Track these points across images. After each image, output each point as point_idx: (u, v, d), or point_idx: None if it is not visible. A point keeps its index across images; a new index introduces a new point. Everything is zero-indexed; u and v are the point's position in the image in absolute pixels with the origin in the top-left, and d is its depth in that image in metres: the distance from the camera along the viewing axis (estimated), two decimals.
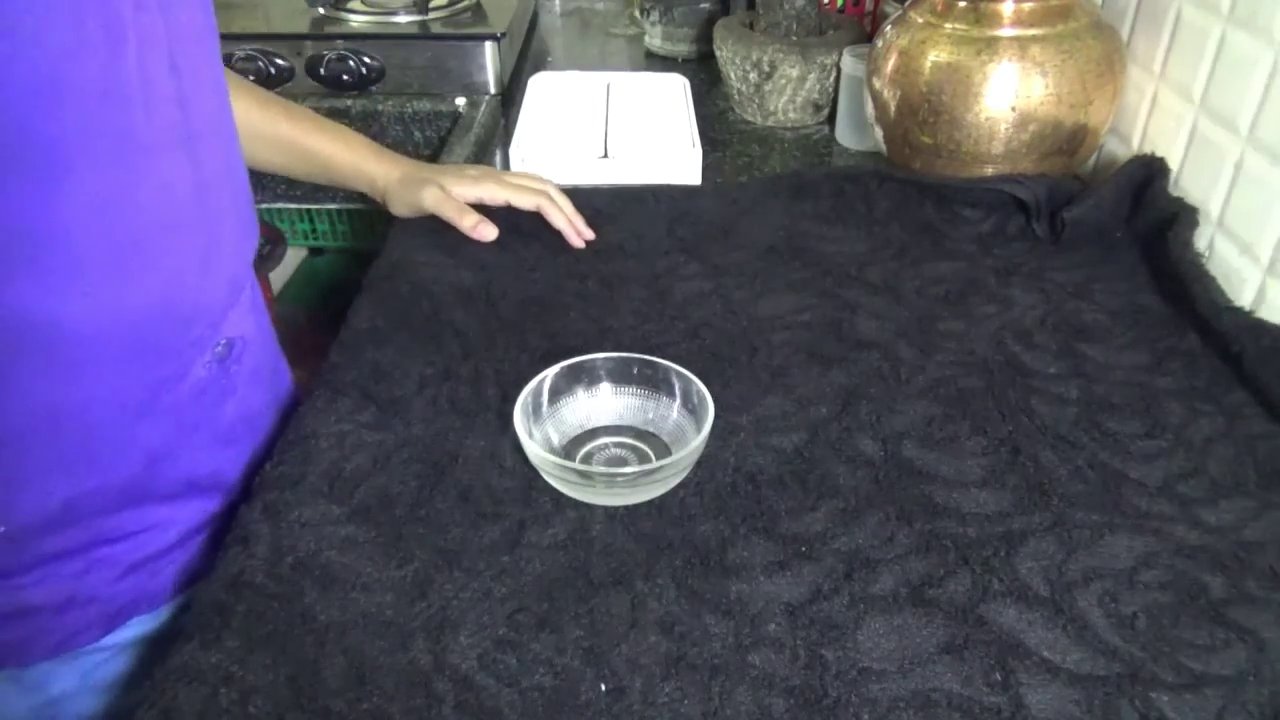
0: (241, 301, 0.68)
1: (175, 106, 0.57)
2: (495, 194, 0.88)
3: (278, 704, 0.47)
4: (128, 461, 0.60)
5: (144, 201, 0.55)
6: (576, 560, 0.54)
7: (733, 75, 1.16)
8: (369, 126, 1.25)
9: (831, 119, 1.15)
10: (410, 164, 0.91)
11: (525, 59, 1.42)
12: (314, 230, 1.51)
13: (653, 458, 0.62)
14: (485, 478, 0.60)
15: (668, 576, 0.53)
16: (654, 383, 0.65)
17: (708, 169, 1.02)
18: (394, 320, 0.76)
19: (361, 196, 0.93)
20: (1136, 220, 0.86)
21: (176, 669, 0.48)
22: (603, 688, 0.47)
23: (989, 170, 0.92)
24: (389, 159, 0.91)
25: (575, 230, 0.87)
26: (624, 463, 0.62)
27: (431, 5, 1.30)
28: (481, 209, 0.88)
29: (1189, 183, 0.85)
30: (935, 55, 0.90)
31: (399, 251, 0.85)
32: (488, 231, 0.86)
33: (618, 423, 0.65)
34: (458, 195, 0.88)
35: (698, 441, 0.58)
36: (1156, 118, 0.91)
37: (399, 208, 0.90)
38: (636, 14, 1.53)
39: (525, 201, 0.88)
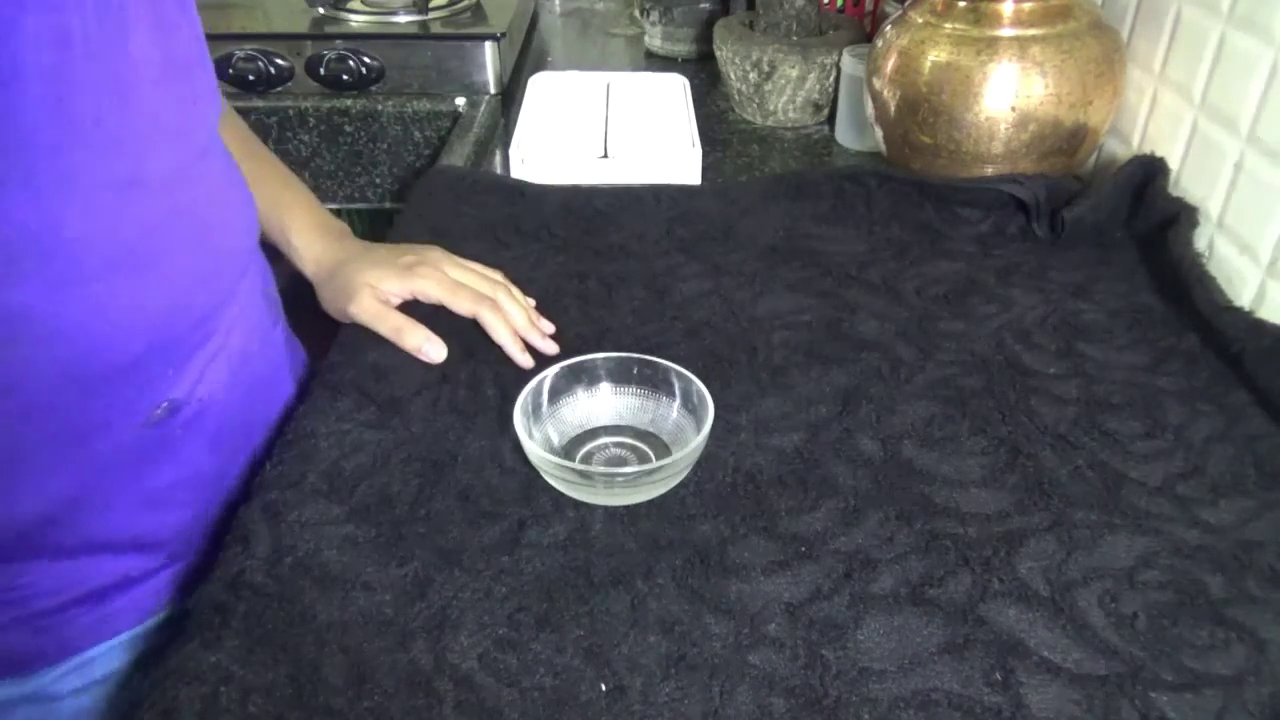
0: (200, 358, 0.61)
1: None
2: (428, 293, 0.74)
3: (278, 703, 0.47)
4: (30, 503, 0.55)
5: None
6: (576, 560, 0.54)
7: (732, 75, 1.16)
8: (369, 126, 1.25)
9: (831, 119, 1.15)
10: (344, 249, 0.77)
11: (525, 59, 1.42)
12: None
13: (653, 458, 0.62)
14: (485, 477, 0.60)
15: (668, 576, 0.53)
16: (654, 383, 0.65)
17: (708, 169, 1.02)
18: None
19: (364, 195, 0.93)
20: (1136, 220, 0.86)
21: (176, 668, 0.48)
22: (603, 687, 0.47)
23: (989, 170, 0.92)
24: (324, 241, 0.78)
25: (520, 347, 0.71)
26: (624, 463, 0.62)
27: (431, 5, 1.30)
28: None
29: (1189, 183, 0.85)
30: (935, 55, 0.90)
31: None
32: (434, 353, 0.70)
33: (618, 423, 0.65)
34: (385, 293, 0.74)
35: (697, 441, 0.58)
36: (1156, 118, 0.91)
37: (329, 309, 0.77)
38: (636, 14, 1.53)
39: (463, 308, 0.73)
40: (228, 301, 0.64)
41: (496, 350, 0.71)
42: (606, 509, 0.58)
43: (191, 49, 0.60)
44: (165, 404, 0.59)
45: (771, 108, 1.15)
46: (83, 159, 0.50)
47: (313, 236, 0.77)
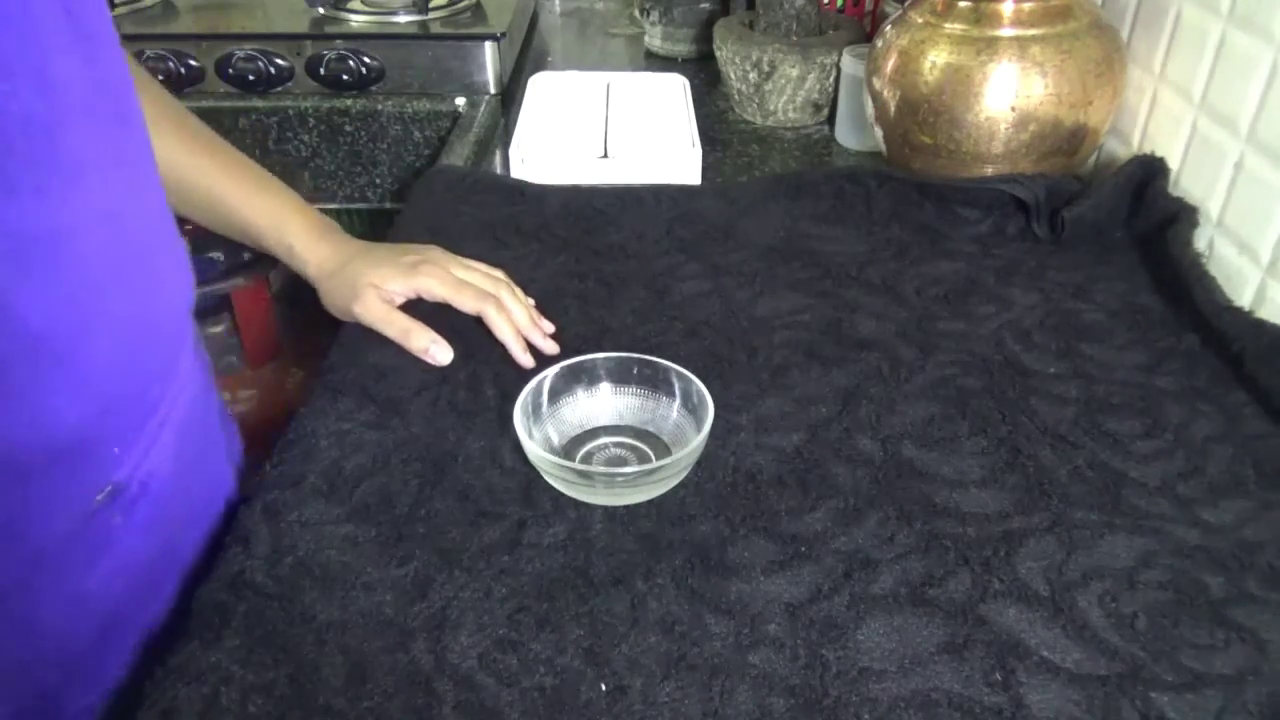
0: (149, 429, 0.55)
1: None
2: (432, 291, 0.74)
3: (278, 703, 0.47)
4: None
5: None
6: (576, 560, 0.54)
7: (732, 75, 1.16)
8: (369, 127, 1.25)
9: (831, 119, 1.15)
10: (345, 249, 0.76)
11: (525, 59, 1.42)
12: None
13: (653, 458, 0.62)
14: (485, 477, 0.60)
15: (667, 576, 0.53)
16: (654, 383, 0.65)
17: (707, 169, 1.02)
18: None
19: (364, 195, 0.92)
20: (1136, 220, 0.86)
21: (176, 669, 0.48)
22: (603, 687, 0.47)
23: (989, 170, 0.92)
24: (324, 241, 0.76)
25: (522, 346, 0.71)
26: (624, 462, 0.62)
27: (431, 5, 1.30)
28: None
29: (1189, 182, 0.85)
30: (935, 55, 0.90)
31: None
32: (441, 355, 0.71)
33: (617, 423, 0.65)
34: (390, 293, 0.73)
35: (697, 441, 0.58)
36: (1156, 117, 0.91)
37: (332, 309, 0.76)
38: (636, 14, 1.53)
39: (467, 305, 0.73)
40: (176, 359, 0.58)
41: (497, 350, 0.71)
42: (606, 509, 0.58)
43: (110, 52, 0.51)
44: (109, 487, 0.52)
45: (771, 108, 1.15)
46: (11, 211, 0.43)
47: (312, 239, 0.76)
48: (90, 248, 0.48)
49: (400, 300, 0.75)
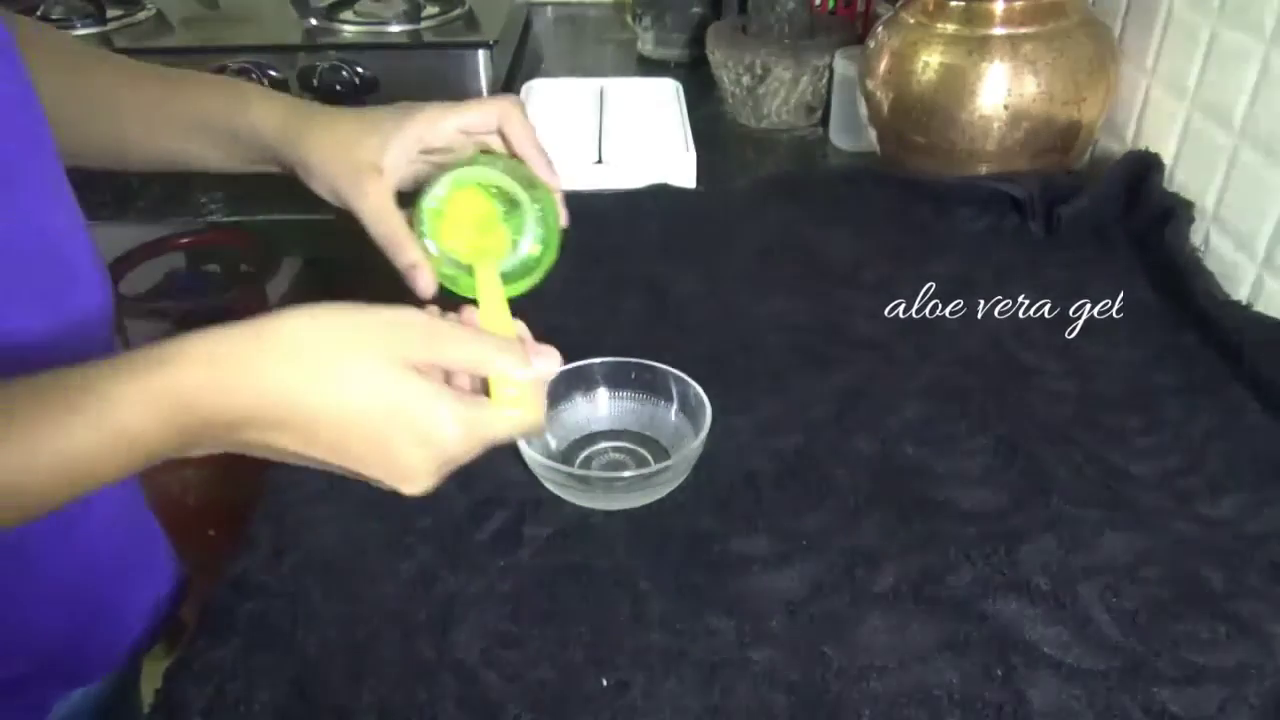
0: None
1: None
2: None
3: (282, 698, 0.47)
4: None
5: None
6: (578, 557, 0.55)
7: (726, 79, 1.16)
8: None
9: (825, 120, 1.15)
10: (313, 104, 0.62)
11: (518, 66, 1.42)
12: (309, 241, 1.51)
13: (651, 461, 0.62)
14: (488, 472, 0.60)
15: (669, 573, 0.53)
16: (652, 386, 0.65)
17: (702, 173, 1.02)
18: None
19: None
20: (1132, 217, 0.86)
21: (181, 666, 0.49)
22: (604, 683, 0.47)
23: (983, 169, 0.92)
24: (280, 99, 0.62)
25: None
26: (623, 467, 0.62)
27: (423, 14, 1.31)
28: None
29: (1183, 178, 0.85)
30: (927, 55, 0.90)
31: None
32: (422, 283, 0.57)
33: (616, 427, 0.65)
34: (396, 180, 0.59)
35: (695, 444, 0.58)
36: (1149, 114, 0.91)
37: (316, 182, 0.61)
38: (628, 19, 1.53)
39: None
40: None
41: None
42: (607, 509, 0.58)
43: None
44: None
45: (765, 110, 1.15)
46: None
47: (271, 96, 0.62)
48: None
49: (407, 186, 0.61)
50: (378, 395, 0.41)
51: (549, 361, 0.47)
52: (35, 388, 0.37)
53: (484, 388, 0.45)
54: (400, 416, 0.41)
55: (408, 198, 0.60)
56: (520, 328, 0.50)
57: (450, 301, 0.51)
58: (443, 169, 0.58)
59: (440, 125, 0.61)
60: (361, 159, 0.59)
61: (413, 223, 0.58)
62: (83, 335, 0.53)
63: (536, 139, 0.60)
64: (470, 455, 0.44)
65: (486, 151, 0.62)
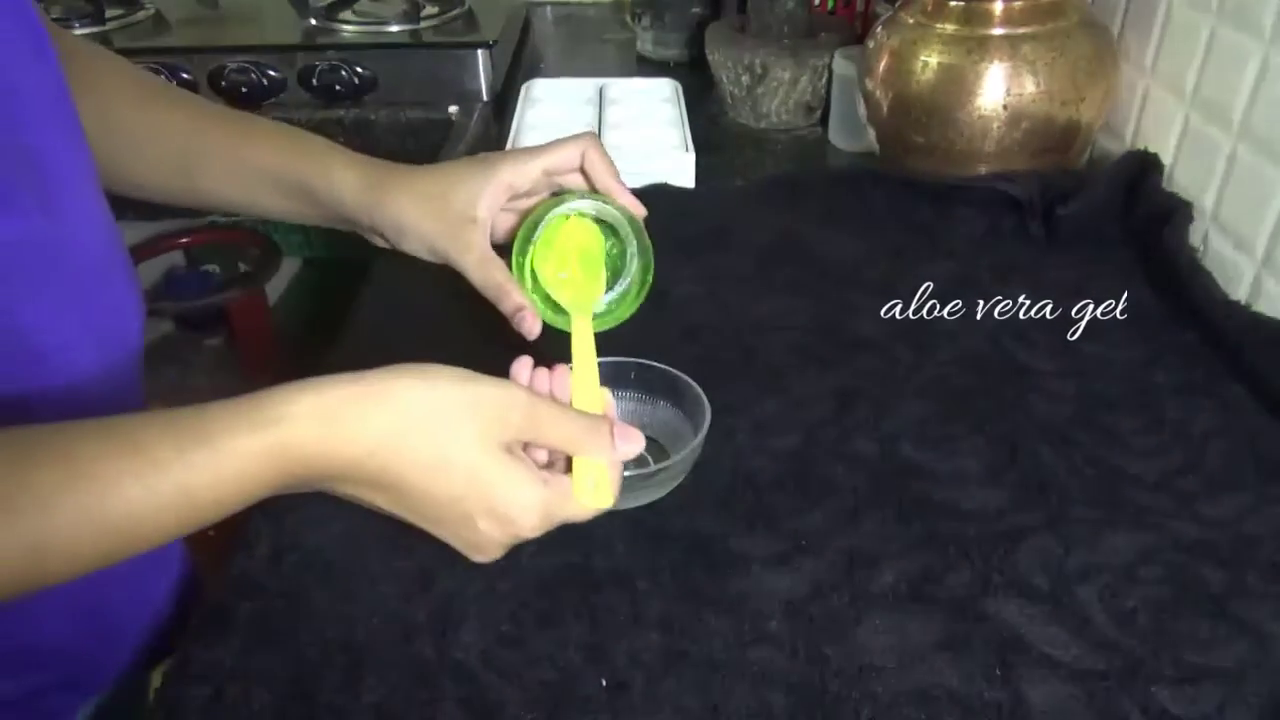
0: None
1: None
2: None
3: (281, 699, 0.47)
4: None
5: None
6: (577, 557, 0.55)
7: (725, 79, 1.16)
8: (362, 137, 1.25)
9: (824, 120, 1.15)
10: (392, 165, 0.66)
11: (518, 66, 1.42)
12: (309, 240, 1.51)
13: (650, 462, 0.62)
14: None
15: (667, 574, 0.53)
16: (651, 386, 0.65)
17: (701, 173, 1.02)
18: (394, 321, 0.76)
19: None
20: (1131, 216, 0.86)
21: (180, 667, 0.49)
22: (603, 683, 0.47)
23: (982, 169, 0.92)
24: (357, 161, 0.65)
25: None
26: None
27: (423, 14, 1.31)
28: None
29: (1182, 178, 0.85)
30: (927, 55, 0.90)
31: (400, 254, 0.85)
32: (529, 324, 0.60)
33: None
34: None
35: (694, 445, 0.58)
36: (1148, 113, 0.91)
37: (404, 241, 0.64)
38: (628, 19, 1.53)
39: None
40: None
41: (494, 353, 0.71)
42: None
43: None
44: None
45: (764, 110, 1.15)
46: None
47: (350, 157, 0.65)
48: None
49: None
50: (471, 474, 0.44)
51: (632, 445, 0.49)
52: (155, 425, 0.39)
53: (566, 460, 0.48)
54: (487, 499, 0.44)
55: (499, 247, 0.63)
56: (607, 397, 0.53)
57: (547, 349, 0.55)
58: (530, 211, 0.62)
59: (526, 169, 0.62)
60: (457, 213, 0.61)
61: (513, 263, 0.61)
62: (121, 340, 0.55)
63: (617, 172, 0.63)
64: (541, 532, 0.47)
65: (563, 191, 0.65)
